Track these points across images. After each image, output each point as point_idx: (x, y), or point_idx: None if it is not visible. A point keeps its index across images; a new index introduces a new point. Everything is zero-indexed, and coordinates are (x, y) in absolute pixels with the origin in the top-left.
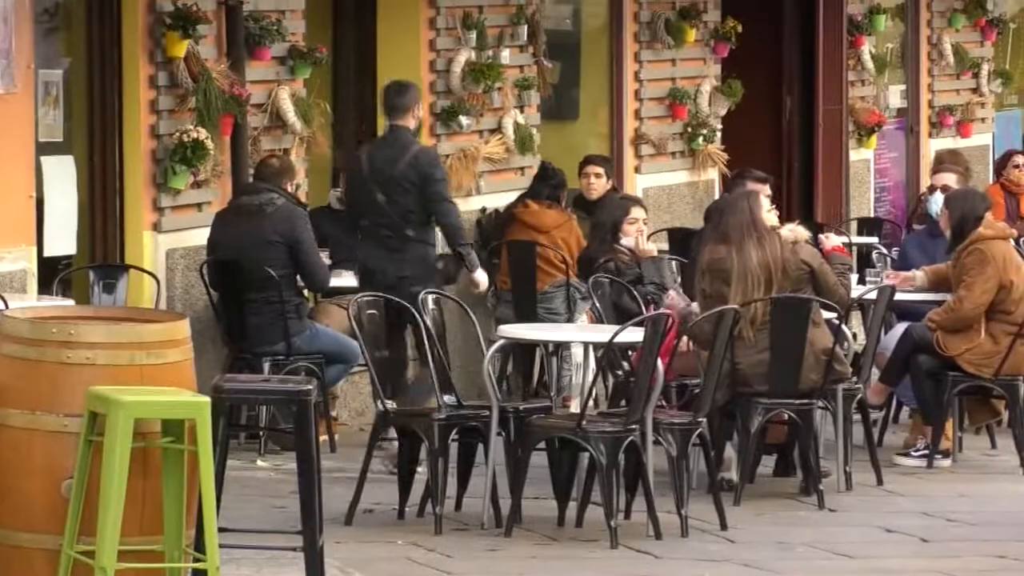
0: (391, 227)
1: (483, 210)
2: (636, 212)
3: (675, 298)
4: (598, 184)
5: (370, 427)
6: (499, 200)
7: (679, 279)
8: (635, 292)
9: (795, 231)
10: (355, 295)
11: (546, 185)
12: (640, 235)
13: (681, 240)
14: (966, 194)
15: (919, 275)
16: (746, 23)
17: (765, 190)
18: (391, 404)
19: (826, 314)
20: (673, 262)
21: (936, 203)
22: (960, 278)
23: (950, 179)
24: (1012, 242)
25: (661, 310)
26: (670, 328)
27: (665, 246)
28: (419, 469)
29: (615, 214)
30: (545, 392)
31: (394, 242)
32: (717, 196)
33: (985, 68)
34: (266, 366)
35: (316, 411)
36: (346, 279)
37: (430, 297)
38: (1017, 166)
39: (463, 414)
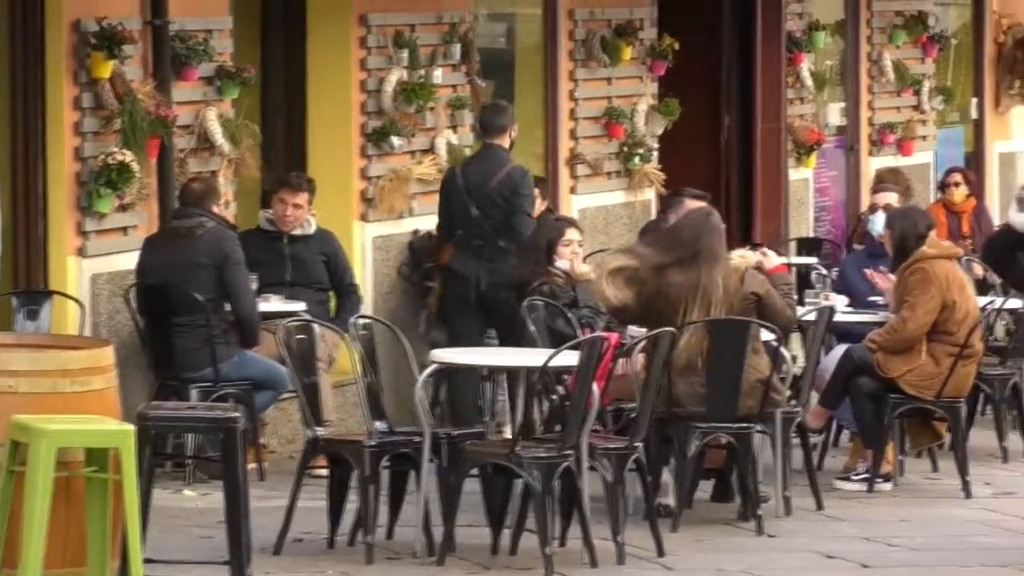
0: (484, 238)
1: (415, 232)
2: (571, 234)
3: None
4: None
5: (299, 454)
6: (432, 222)
7: None
8: (570, 315)
9: (745, 257)
10: (284, 319)
11: None
12: (575, 257)
13: None
14: (907, 212)
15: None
16: (683, 41)
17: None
18: (321, 431)
19: (765, 335)
20: None
21: (877, 223)
22: (902, 298)
23: (891, 198)
24: (955, 261)
25: (597, 333)
26: (606, 351)
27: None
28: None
29: (550, 235)
30: (479, 418)
31: (487, 252)
32: (654, 216)
33: (926, 85)
34: (193, 393)
35: (244, 439)
36: (274, 304)
37: (359, 321)
38: (957, 184)
39: (395, 440)
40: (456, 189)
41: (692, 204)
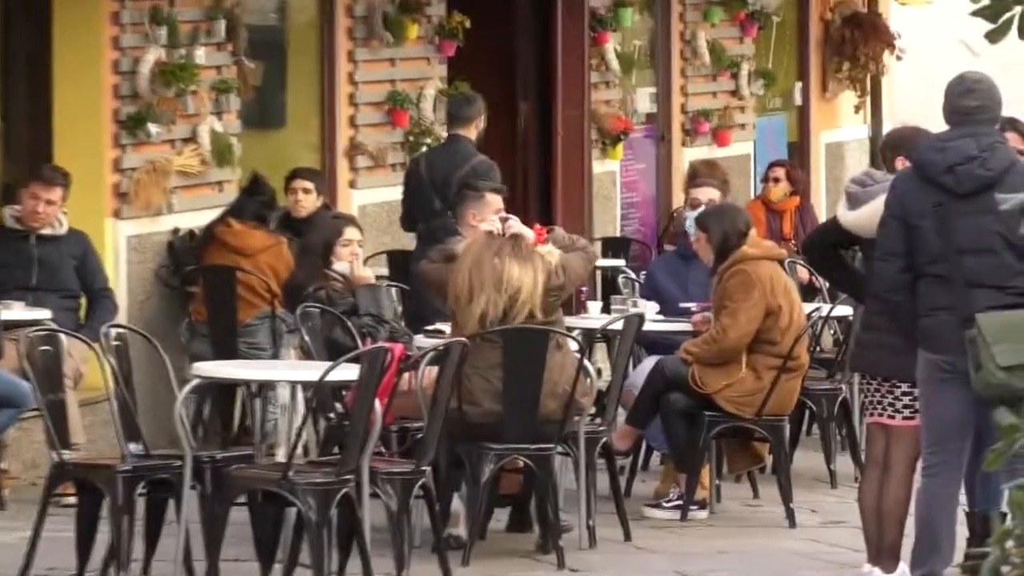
0: (448, 231)
1: (175, 231)
2: (350, 233)
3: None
4: (307, 201)
5: (44, 481)
6: (194, 219)
7: (399, 308)
8: (349, 324)
9: (552, 253)
10: (26, 329)
11: (252, 201)
12: (355, 259)
13: (402, 264)
14: (723, 210)
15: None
16: (475, 18)
17: (497, 203)
18: (68, 454)
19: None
20: (393, 289)
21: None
22: (722, 304)
23: (714, 194)
24: (779, 264)
25: (379, 344)
26: (389, 364)
27: (384, 271)
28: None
29: (326, 235)
30: (247, 439)
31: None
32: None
33: (745, 68)
34: None
35: None
36: (16, 311)
37: (112, 331)
38: (777, 179)
39: (151, 464)
40: (420, 180)
41: (492, 200)
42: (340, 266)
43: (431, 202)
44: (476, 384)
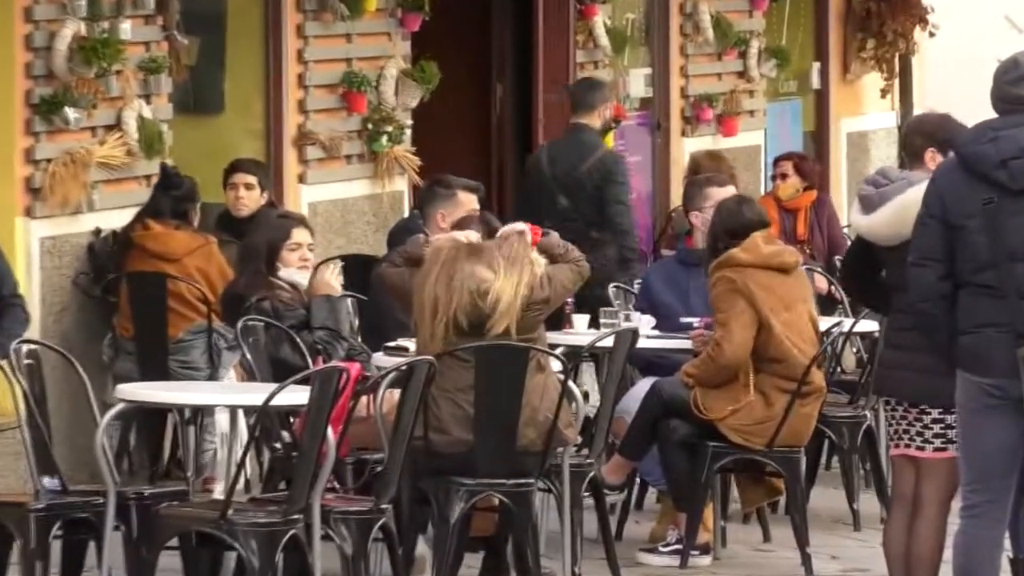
0: (575, 232)
1: (97, 232)
2: (299, 235)
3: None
4: (249, 197)
5: None
6: (118, 219)
7: (356, 322)
8: (299, 340)
9: (538, 262)
10: None
11: (167, 196)
12: (306, 265)
13: (360, 271)
14: (728, 203)
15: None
16: None
17: (471, 203)
18: None
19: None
20: (348, 300)
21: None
22: (715, 316)
23: (730, 191)
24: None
25: (334, 363)
26: (344, 386)
27: (339, 279)
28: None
29: (272, 237)
30: (179, 472)
31: (578, 246)
32: (407, 212)
33: (755, 45)
34: None
35: None
36: None
37: (24, 347)
38: (784, 175)
39: (69, 502)
40: (541, 176)
41: (464, 199)
42: (287, 273)
43: (555, 201)
44: (444, 409)
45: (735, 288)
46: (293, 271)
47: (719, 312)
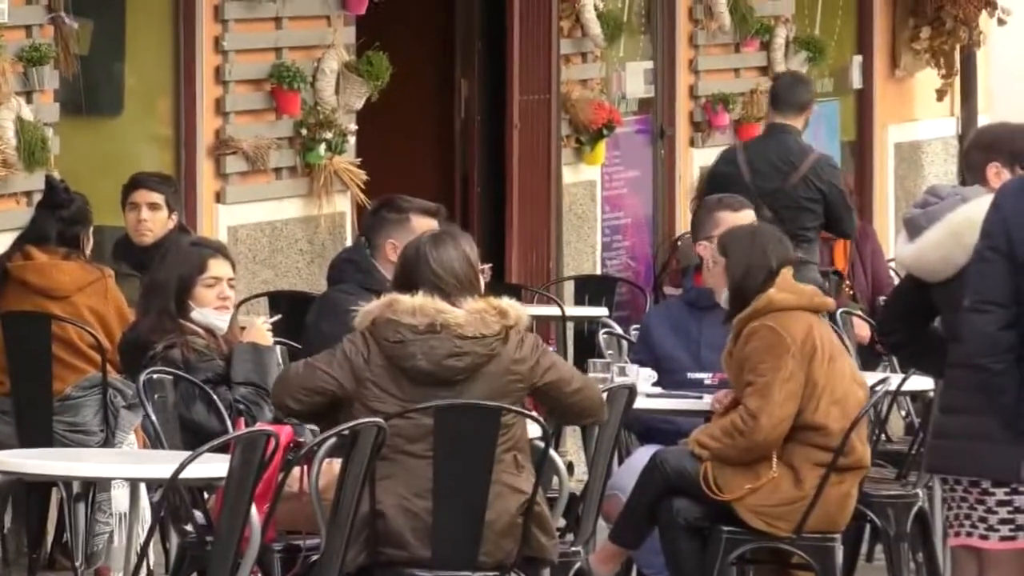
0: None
1: None
2: (217, 268)
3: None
4: (154, 220)
5: None
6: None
7: None
8: (215, 397)
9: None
10: None
11: (53, 218)
12: (225, 304)
13: (292, 311)
14: (757, 233)
15: None
16: None
17: (428, 227)
18: None
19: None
20: (278, 348)
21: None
22: (744, 379)
23: (750, 216)
24: (823, 316)
25: (259, 426)
26: (272, 455)
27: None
28: None
29: (183, 270)
30: (66, 561)
31: None
32: (350, 239)
33: (781, 35)
34: None
35: None
36: None
37: None
38: None
39: None
40: (738, 184)
41: (419, 224)
42: (201, 314)
43: (759, 215)
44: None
45: (780, 343)
46: (209, 312)
47: (756, 375)
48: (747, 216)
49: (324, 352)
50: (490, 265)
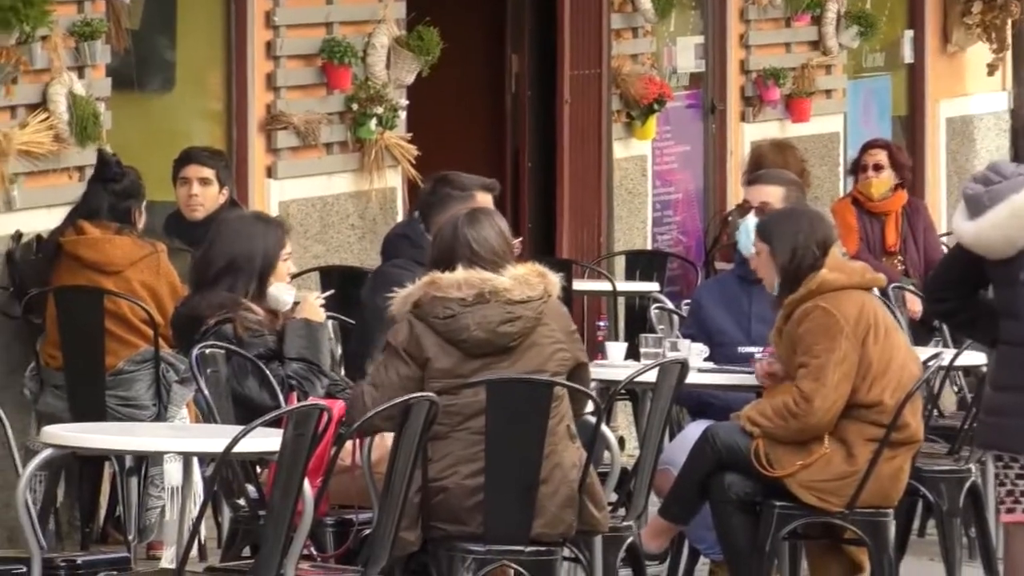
0: None
1: (17, 236)
2: (288, 243)
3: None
4: (205, 195)
5: None
6: (44, 220)
7: (339, 350)
8: (268, 373)
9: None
10: None
11: (105, 193)
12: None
13: (343, 286)
14: (795, 215)
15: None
16: None
17: (487, 202)
18: None
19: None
20: (331, 324)
21: (747, 232)
22: (796, 360)
23: (773, 194)
24: (873, 293)
25: (314, 400)
26: (325, 430)
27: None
28: None
29: (268, 246)
30: (119, 535)
31: None
32: (401, 214)
33: (833, 9)
34: None
35: None
36: None
37: None
38: (878, 167)
39: None
40: None
41: (483, 199)
42: (278, 289)
43: None
44: (450, 458)
45: (834, 324)
46: (283, 287)
47: (811, 356)
48: (771, 192)
49: (372, 368)
50: (521, 239)
